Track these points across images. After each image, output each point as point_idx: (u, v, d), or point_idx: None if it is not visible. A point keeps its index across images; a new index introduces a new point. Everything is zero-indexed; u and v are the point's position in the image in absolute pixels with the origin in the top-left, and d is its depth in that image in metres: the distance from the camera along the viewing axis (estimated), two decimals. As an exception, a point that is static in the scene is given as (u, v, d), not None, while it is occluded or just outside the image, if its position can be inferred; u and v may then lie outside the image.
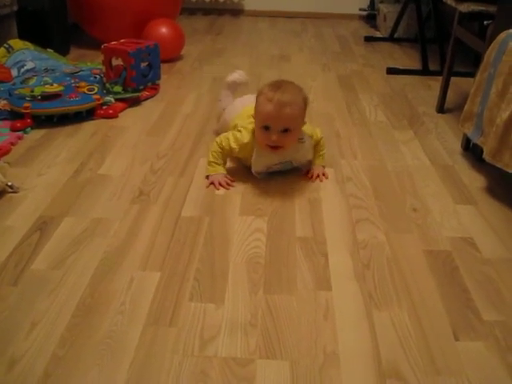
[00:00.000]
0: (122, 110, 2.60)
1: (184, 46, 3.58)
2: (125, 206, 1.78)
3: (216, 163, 1.95)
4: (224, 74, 3.20)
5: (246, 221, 1.72)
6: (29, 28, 3.27)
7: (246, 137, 1.90)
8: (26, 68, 2.80)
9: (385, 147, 2.29)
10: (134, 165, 2.06)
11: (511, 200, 1.88)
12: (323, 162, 2.06)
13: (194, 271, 1.48)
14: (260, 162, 1.92)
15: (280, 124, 1.78)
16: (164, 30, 3.38)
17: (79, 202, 1.80)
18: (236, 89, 2.36)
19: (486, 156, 1.90)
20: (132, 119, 2.52)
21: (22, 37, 3.11)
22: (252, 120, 1.88)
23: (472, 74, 2.29)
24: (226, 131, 2.04)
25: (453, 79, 2.74)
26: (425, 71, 3.38)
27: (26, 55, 2.87)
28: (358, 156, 2.20)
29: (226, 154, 1.95)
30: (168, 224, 1.69)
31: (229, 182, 1.92)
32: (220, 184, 1.90)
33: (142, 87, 2.76)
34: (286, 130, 1.79)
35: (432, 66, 3.39)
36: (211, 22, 4.79)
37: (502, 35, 1.97)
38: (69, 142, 2.24)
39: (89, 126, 2.41)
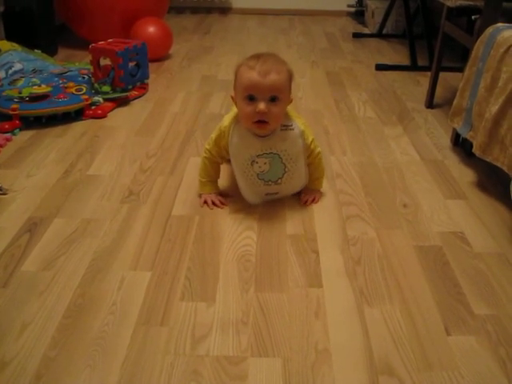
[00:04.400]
0: (111, 109, 2.59)
1: (172, 45, 3.58)
2: (115, 206, 1.77)
3: (207, 181, 1.81)
4: (213, 72, 3.22)
5: (236, 219, 1.71)
6: (16, 29, 3.25)
7: (226, 120, 1.71)
8: (13, 69, 2.78)
9: (374, 143, 2.29)
10: (123, 165, 2.05)
11: (501, 194, 1.88)
12: (321, 187, 1.88)
13: (184, 270, 1.48)
14: (240, 150, 1.69)
15: (266, 91, 1.56)
16: (152, 29, 3.37)
17: (69, 202, 1.79)
18: None
19: (475, 150, 1.91)
20: (121, 119, 2.51)
21: (9, 38, 3.09)
22: (233, 108, 1.74)
23: (460, 69, 2.29)
24: None
25: (441, 74, 2.74)
26: (413, 67, 3.39)
27: (13, 56, 2.84)
28: (348, 152, 2.20)
29: (216, 155, 1.76)
30: (158, 223, 1.69)
31: (222, 201, 1.80)
32: (213, 203, 1.79)
33: (130, 87, 2.75)
34: (273, 99, 1.57)
35: (420, 62, 3.39)
36: (199, 21, 4.78)
37: (490, 29, 1.97)
38: (58, 143, 2.23)
39: (78, 127, 2.40)
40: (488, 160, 1.85)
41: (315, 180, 1.83)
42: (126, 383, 1.13)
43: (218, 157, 1.77)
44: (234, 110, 1.72)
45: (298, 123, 1.71)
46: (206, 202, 1.80)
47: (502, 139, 1.76)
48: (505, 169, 1.75)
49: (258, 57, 1.59)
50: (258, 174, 1.72)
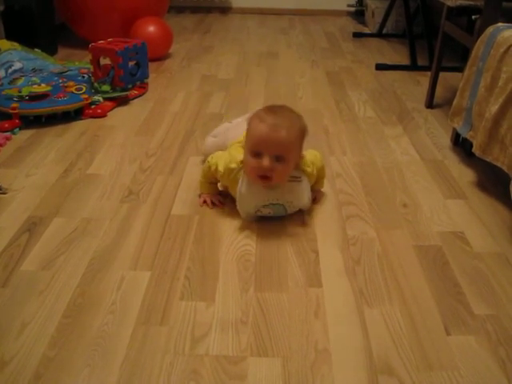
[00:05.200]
0: (111, 109, 2.59)
1: (172, 45, 3.58)
2: (114, 206, 1.77)
3: (207, 182, 1.79)
4: (213, 71, 3.22)
5: (236, 219, 1.71)
6: (16, 28, 3.25)
7: (233, 161, 1.65)
8: (13, 68, 2.78)
9: (374, 143, 2.29)
10: (123, 164, 2.05)
11: (501, 194, 1.88)
12: (322, 186, 1.88)
13: (184, 270, 1.48)
14: (247, 200, 1.65)
15: (272, 149, 1.51)
16: (152, 28, 3.37)
17: (68, 202, 1.79)
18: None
19: (475, 150, 1.91)
20: (120, 118, 2.51)
21: (8, 37, 3.09)
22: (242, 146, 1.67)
23: (460, 69, 2.29)
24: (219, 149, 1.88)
25: (441, 74, 2.74)
26: (413, 67, 3.39)
27: (13, 55, 2.84)
28: (348, 152, 2.20)
29: (212, 173, 1.73)
30: (158, 223, 1.69)
31: (222, 201, 1.79)
32: (212, 203, 1.78)
33: (130, 86, 2.75)
34: (278, 159, 1.53)
35: (420, 62, 3.39)
36: (199, 20, 4.78)
37: (490, 29, 1.97)
38: (57, 142, 2.23)
39: (77, 126, 2.40)
40: (488, 160, 1.85)
41: (317, 181, 1.80)
42: (125, 383, 1.13)
43: (212, 173, 1.73)
44: (239, 153, 1.66)
45: (306, 169, 1.66)
46: (205, 201, 1.79)
47: (502, 139, 1.76)
48: (505, 168, 1.75)
49: (272, 110, 1.56)
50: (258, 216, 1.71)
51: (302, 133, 1.59)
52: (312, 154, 1.73)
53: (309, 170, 1.67)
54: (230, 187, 1.72)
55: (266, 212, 1.68)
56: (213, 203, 1.78)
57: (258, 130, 1.52)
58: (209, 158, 1.73)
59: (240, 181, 1.64)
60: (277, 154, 1.52)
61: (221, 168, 1.67)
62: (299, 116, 1.60)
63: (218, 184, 1.81)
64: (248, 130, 1.58)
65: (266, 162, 1.51)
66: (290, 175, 1.62)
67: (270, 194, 1.63)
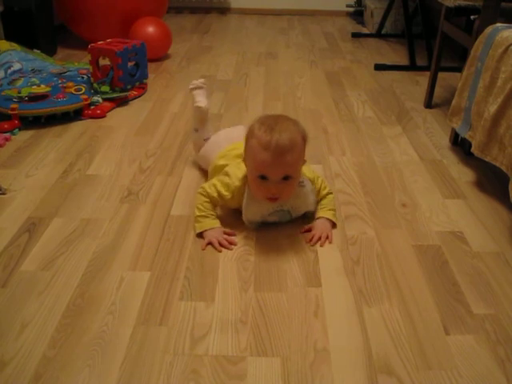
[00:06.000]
0: (110, 109, 2.59)
1: (171, 45, 3.58)
2: (114, 206, 1.77)
3: (205, 216, 1.63)
4: (212, 72, 3.22)
5: (235, 218, 1.71)
6: (15, 29, 3.25)
7: (236, 179, 1.59)
8: (12, 69, 2.78)
9: (373, 143, 2.29)
10: (122, 164, 2.05)
11: (500, 194, 1.88)
12: (334, 218, 1.70)
13: (183, 270, 1.48)
14: (253, 210, 1.61)
15: (279, 173, 1.46)
16: (151, 28, 3.37)
17: (68, 202, 1.79)
18: (205, 116, 2.00)
19: (474, 150, 1.91)
20: (120, 119, 2.51)
21: (8, 38, 3.09)
22: (241, 161, 1.61)
23: (459, 69, 2.29)
24: (206, 167, 1.88)
25: (440, 74, 2.74)
26: (412, 67, 3.39)
27: (12, 56, 2.84)
28: (347, 152, 2.20)
29: (214, 202, 1.64)
30: (157, 223, 1.69)
31: (229, 238, 1.61)
32: (221, 244, 1.58)
33: (129, 87, 2.75)
34: (286, 178, 1.48)
35: (419, 62, 3.40)
36: (198, 21, 4.78)
37: (489, 29, 1.98)
38: (57, 143, 2.23)
39: (77, 127, 2.41)
40: (487, 160, 1.85)
41: (327, 210, 1.71)
42: (125, 383, 1.13)
43: (215, 203, 1.66)
44: (243, 166, 1.59)
45: (307, 175, 1.64)
46: (210, 242, 1.59)
47: (501, 139, 1.76)
48: (503, 168, 1.75)
49: (270, 128, 1.45)
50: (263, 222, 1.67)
51: (304, 141, 1.52)
52: (309, 169, 1.71)
53: (310, 176, 1.66)
54: (239, 204, 1.63)
55: (271, 219, 1.65)
56: (220, 244, 1.59)
57: (261, 157, 1.44)
58: (201, 190, 1.64)
59: (245, 195, 1.59)
60: (284, 175, 1.47)
61: (226, 192, 1.60)
62: (296, 123, 1.53)
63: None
64: (248, 152, 1.51)
65: (273, 188, 1.49)
66: None
67: (275, 203, 1.58)
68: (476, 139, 1.91)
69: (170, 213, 1.75)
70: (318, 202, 1.71)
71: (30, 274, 1.45)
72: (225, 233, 1.63)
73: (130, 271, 1.47)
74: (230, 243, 1.59)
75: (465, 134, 2.04)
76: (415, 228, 1.70)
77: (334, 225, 1.69)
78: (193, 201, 1.80)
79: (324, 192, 1.72)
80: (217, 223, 1.64)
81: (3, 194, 1.82)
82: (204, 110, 1.95)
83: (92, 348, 1.22)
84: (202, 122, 1.98)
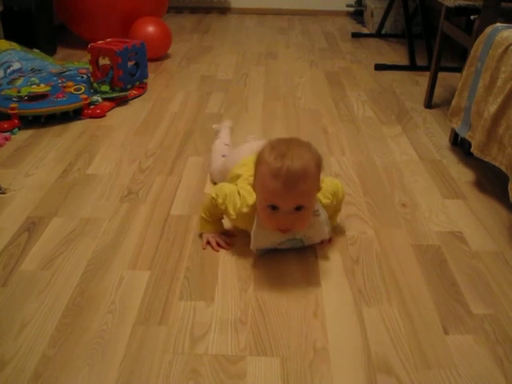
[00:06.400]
0: (110, 109, 2.59)
1: (171, 45, 3.58)
2: (113, 206, 1.77)
3: (207, 221, 1.60)
4: (212, 72, 3.22)
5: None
6: (15, 28, 3.25)
7: (244, 205, 1.49)
8: (12, 69, 2.78)
9: (373, 143, 2.29)
10: (122, 164, 2.05)
11: (499, 194, 1.88)
12: (335, 222, 1.67)
13: (183, 269, 1.48)
14: (262, 240, 1.51)
15: (291, 203, 1.34)
16: (151, 28, 3.37)
17: (67, 202, 1.79)
18: (228, 133, 2.13)
19: (473, 150, 1.91)
20: (120, 118, 2.51)
21: (7, 37, 3.09)
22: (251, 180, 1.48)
23: (459, 69, 2.29)
24: (224, 178, 1.77)
25: (440, 74, 2.75)
26: (412, 67, 3.39)
27: (12, 56, 2.84)
28: (347, 152, 2.20)
29: (220, 211, 1.56)
30: (157, 223, 1.69)
31: (228, 241, 1.60)
32: (218, 244, 1.58)
33: (129, 86, 2.75)
34: (298, 208, 1.36)
35: (419, 62, 3.40)
36: (198, 20, 4.78)
37: (489, 29, 1.98)
38: (56, 143, 2.23)
39: (76, 126, 2.41)
40: (486, 160, 1.85)
41: (331, 216, 1.61)
42: (124, 382, 1.14)
43: (222, 213, 1.58)
44: (250, 192, 1.48)
45: (324, 200, 1.51)
46: (209, 242, 1.59)
47: (501, 139, 1.76)
48: (503, 168, 1.75)
49: (281, 154, 1.32)
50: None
51: (319, 167, 1.38)
52: (333, 184, 1.58)
53: (328, 201, 1.53)
54: (245, 227, 1.55)
55: (282, 247, 1.55)
56: (218, 245, 1.59)
57: (272, 186, 1.32)
58: (213, 195, 1.54)
59: (254, 222, 1.47)
60: (296, 205, 1.35)
61: (232, 212, 1.51)
62: (310, 148, 1.39)
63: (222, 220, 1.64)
64: (258, 180, 1.39)
65: (283, 220, 1.37)
66: None
67: (287, 234, 1.47)
68: (476, 139, 1.91)
69: (170, 212, 1.75)
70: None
71: (29, 274, 1.45)
72: (223, 233, 1.62)
73: (129, 270, 1.47)
74: (228, 244, 1.59)
75: (464, 134, 2.04)
76: (415, 228, 1.70)
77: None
78: (192, 200, 1.81)
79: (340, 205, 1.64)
80: (218, 227, 1.61)
81: (3, 193, 1.82)
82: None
83: (92, 347, 1.22)
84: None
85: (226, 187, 1.56)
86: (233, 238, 1.62)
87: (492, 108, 1.81)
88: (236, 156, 1.80)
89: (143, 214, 1.73)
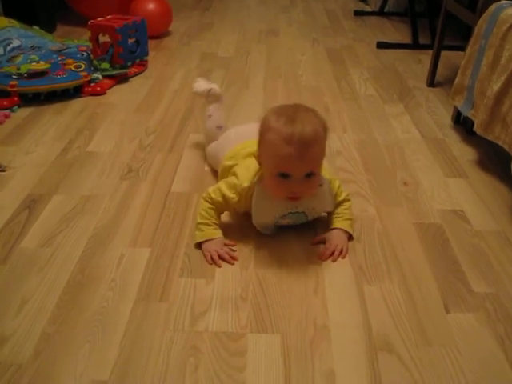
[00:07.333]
0: (110, 86, 2.57)
1: (172, 22, 3.55)
2: (114, 183, 1.77)
3: (207, 224, 1.47)
4: (213, 49, 3.20)
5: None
6: (14, 5, 3.22)
7: (244, 180, 1.43)
8: (11, 46, 2.76)
9: (375, 121, 2.28)
10: (122, 142, 2.04)
11: (502, 173, 1.87)
12: (351, 229, 1.53)
13: (184, 247, 1.48)
14: (263, 212, 1.46)
15: (303, 169, 1.30)
16: (151, 5, 3.33)
17: (68, 179, 1.78)
18: (220, 98, 1.91)
19: (476, 129, 1.90)
20: (120, 96, 2.49)
21: (7, 14, 3.07)
22: (250, 160, 1.46)
23: (462, 48, 2.27)
24: (215, 166, 1.76)
25: (443, 53, 2.72)
26: (415, 45, 3.36)
27: (11, 33, 2.82)
28: (348, 130, 2.19)
29: (220, 208, 1.49)
30: (157, 200, 1.68)
31: (230, 252, 1.45)
32: (220, 257, 1.43)
33: (129, 64, 2.73)
34: (308, 175, 1.32)
35: (422, 40, 3.37)
36: (199, -2, 4.75)
37: (493, 7, 1.96)
38: (57, 120, 2.22)
39: (76, 104, 2.39)
40: (489, 138, 1.84)
41: (343, 220, 1.54)
42: (124, 359, 1.14)
43: (221, 209, 1.50)
44: (252, 166, 1.44)
45: (324, 173, 1.45)
46: (211, 257, 1.43)
47: (504, 117, 1.75)
48: (506, 147, 1.74)
49: (291, 119, 1.28)
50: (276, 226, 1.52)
51: (326, 132, 1.35)
52: (332, 176, 1.56)
53: (328, 176, 1.49)
54: (245, 205, 1.48)
55: (285, 222, 1.49)
56: (221, 258, 1.44)
57: (283, 152, 1.27)
58: (205, 195, 1.48)
59: (254, 196, 1.43)
60: (308, 171, 1.31)
61: (232, 195, 1.44)
62: (316, 112, 1.35)
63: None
64: (265, 149, 1.34)
65: (296, 186, 1.32)
66: None
67: (289, 203, 1.42)
68: (478, 118, 1.89)
69: (171, 190, 1.74)
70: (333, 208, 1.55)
71: (30, 251, 1.45)
72: (225, 244, 1.48)
73: (130, 248, 1.47)
74: (232, 257, 1.44)
75: (467, 112, 2.03)
76: (416, 206, 1.69)
77: (350, 236, 1.52)
78: (193, 178, 1.80)
79: (340, 198, 1.54)
80: (218, 233, 1.48)
81: (3, 171, 1.82)
82: (219, 92, 1.90)
83: (92, 324, 1.22)
84: (216, 103, 1.89)
85: (215, 186, 1.49)
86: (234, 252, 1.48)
87: (495, 86, 1.79)
88: (225, 144, 1.72)
89: (143, 191, 1.73)
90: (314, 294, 1.32)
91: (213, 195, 1.46)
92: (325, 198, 1.48)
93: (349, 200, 1.57)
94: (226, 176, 1.54)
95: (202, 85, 1.93)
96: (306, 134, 1.26)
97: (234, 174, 1.47)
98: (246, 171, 1.44)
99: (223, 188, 1.45)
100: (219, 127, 1.85)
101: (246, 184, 1.42)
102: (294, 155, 1.26)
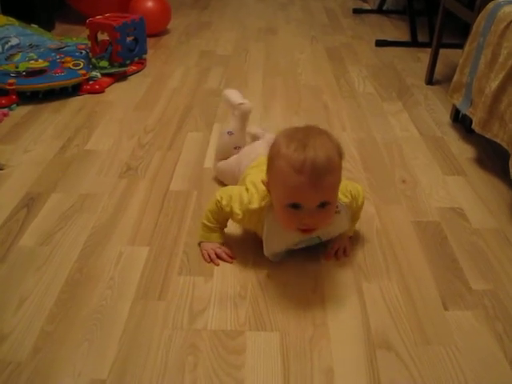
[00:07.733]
0: (109, 85, 2.57)
1: (170, 20, 3.54)
2: (112, 181, 1.77)
3: (210, 228, 1.45)
4: (212, 47, 3.20)
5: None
6: (13, 3, 3.22)
7: (254, 201, 1.33)
8: (10, 44, 2.76)
9: (374, 119, 2.28)
10: (121, 140, 2.04)
11: (500, 170, 1.87)
12: (351, 232, 1.51)
13: (182, 245, 1.48)
14: (275, 243, 1.37)
15: (316, 200, 1.19)
16: (150, 3, 3.33)
17: (66, 177, 1.78)
18: (246, 117, 1.72)
19: (475, 127, 1.90)
20: (119, 94, 2.49)
21: (5, 12, 3.07)
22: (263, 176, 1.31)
23: (461, 46, 2.27)
24: (230, 180, 1.67)
25: (442, 51, 2.72)
26: (414, 43, 3.36)
27: (10, 31, 2.82)
28: (347, 128, 2.19)
29: (225, 215, 1.42)
30: (156, 198, 1.68)
31: (229, 253, 1.44)
32: (218, 255, 1.43)
33: (128, 62, 2.73)
34: (322, 205, 1.20)
35: (421, 38, 3.37)
36: (198, -4, 4.74)
37: (491, 5, 1.96)
38: (55, 118, 2.22)
39: (75, 102, 2.39)
40: (487, 136, 1.84)
41: (351, 221, 1.46)
42: (123, 357, 1.14)
43: (226, 217, 1.44)
44: (260, 188, 1.33)
45: (344, 197, 1.35)
46: (209, 255, 1.43)
47: (502, 115, 1.75)
48: (504, 145, 1.74)
49: (302, 144, 1.17)
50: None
51: (341, 157, 1.23)
52: (354, 186, 1.45)
53: (347, 201, 1.37)
54: (254, 228, 1.42)
55: (296, 248, 1.41)
56: (219, 257, 1.43)
57: (293, 181, 1.16)
58: (218, 197, 1.40)
59: (265, 222, 1.34)
60: (321, 201, 1.20)
61: (238, 211, 1.35)
62: (330, 135, 1.24)
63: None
64: (275, 177, 1.23)
65: (307, 218, 1.21)
66: None
67: (309, 234, 1.31)
68: (477, 116, 1.89)
69: (169, 188, 1.74)
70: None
71: (28, 249, 1.45)
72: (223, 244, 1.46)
73: (128, 246, 1.47)
74: (230, 257, 1.43)
75: (466, 110, 2.03)
76: (415, 204, 1.69)
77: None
78: (192, 176, 1.80)
79: (358, 207, 1.47)
80: (219, 239, 1.46)
81: (1, 169, 1.82)
82: (249, 110, 1.72)
83: (91, 322, 1.22)
84: (241, 121, 1.72)
85: (231, 189, 1.43)
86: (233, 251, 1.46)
87: (493, 84, 1.79)
88: (242, 159, 1.63)
89: (142, 189, 1.73)
90: (313, 291, 1.32)
91: (224, 202, 1.38)
92: (341, 222, 1.38)
93: (363, 201, 1.48)
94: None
95: (234, 95, 1.76)
96: (318, 161, 1.15)
97: (247, 190, 1.37)
98: (258, 194, 1.34)
99: (234, 200, 1.37)
100: (237, 148, 1.72)
101: (253, 206, 1.33)
102: (305, 184, 1.16)
